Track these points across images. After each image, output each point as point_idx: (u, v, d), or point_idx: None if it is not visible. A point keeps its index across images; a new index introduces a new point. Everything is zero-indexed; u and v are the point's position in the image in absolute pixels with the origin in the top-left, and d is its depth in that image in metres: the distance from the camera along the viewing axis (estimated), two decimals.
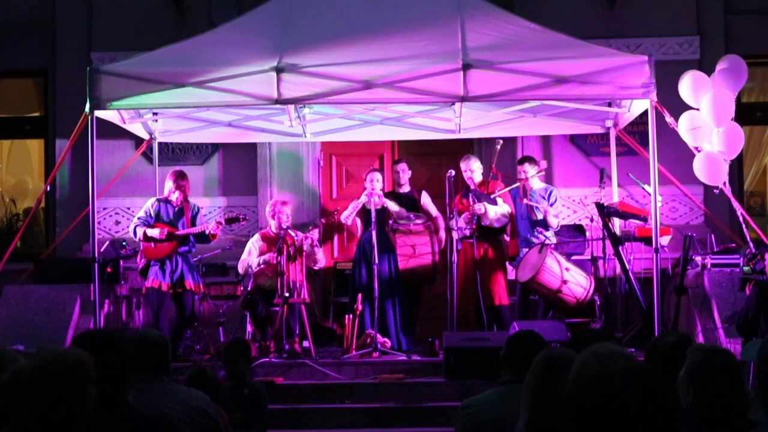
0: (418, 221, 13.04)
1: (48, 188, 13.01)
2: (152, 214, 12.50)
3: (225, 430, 5.97)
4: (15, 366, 3.68)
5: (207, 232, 12.40)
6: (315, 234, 12.78)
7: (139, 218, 12.53)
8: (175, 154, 14.64)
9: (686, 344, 5.49)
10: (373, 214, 12.49)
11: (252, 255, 12.90)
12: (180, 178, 12.60)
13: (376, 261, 12.26)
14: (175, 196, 12.53)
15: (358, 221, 13.10)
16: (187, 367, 11.13)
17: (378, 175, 12.96)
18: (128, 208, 14.48)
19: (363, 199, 12.75)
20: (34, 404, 3.49)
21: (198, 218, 12.66)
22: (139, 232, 12.40)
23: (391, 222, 12.94)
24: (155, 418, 4.52)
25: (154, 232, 12.32)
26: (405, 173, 13.29)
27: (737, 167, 14.28)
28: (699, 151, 12.42)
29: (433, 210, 13.25)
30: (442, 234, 13.21)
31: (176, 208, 12.55)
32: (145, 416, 4.40)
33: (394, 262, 12.79)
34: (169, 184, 12.58)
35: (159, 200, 12.66)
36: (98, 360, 3.94)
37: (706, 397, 4.33)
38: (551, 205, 12.81)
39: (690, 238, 12.07)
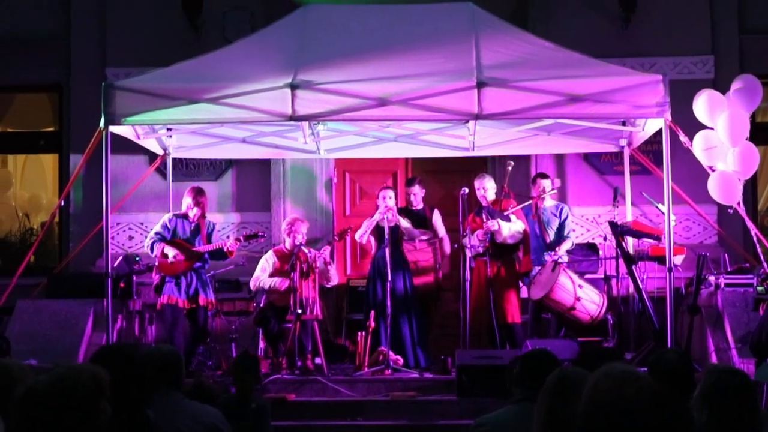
0: (423, 237, 13.04)
1: (62, 203, 13.04)
2: (169, 230, 12.52)
3: None
4: (29, 381, 3.69)
5: (225, 248, 12.43)
6: (327, 251, 12.78)
7: (156, 233, 12.54)
8: (189, 169, 14.67)
9: (687, 361, 5.50)
10: (387, 231, 12.48)
11: (265, 272, 12.88)
12: (199, 194, 12.61)
13: (389, 278, 12.26)
14: (193, 213, 12.55)
15: (372, 239, 13.09)
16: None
17: (390, 193, 12.97)
18: (142, 224, 14.50)
19: (377, 216, 12.74)
20: (49, 420, 3.49)
21: (213, 235, 12.68)
22: (156, 248, 12.41)
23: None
24: None
25: (170, 253, 12.33)
26: (418, 195, 13.28)
27: (751, 187, 14.26)
28: (713, 171, 12.41)
29: (441, 231, 13.23)
30: (447, 250, 13.18)
31: (192, 225, 12.57)
32: None
33: (408, 278, 12.80)
34: (187, 201, 12.59)
35: (176, 216, 12.68)
36: (118, 376, 3.95)
37: (720, 417, 4.33)
38: (563, 222, 12.84)
39: (703, 257, 12.04)
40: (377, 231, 12.89)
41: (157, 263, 12.51)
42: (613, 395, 2.83)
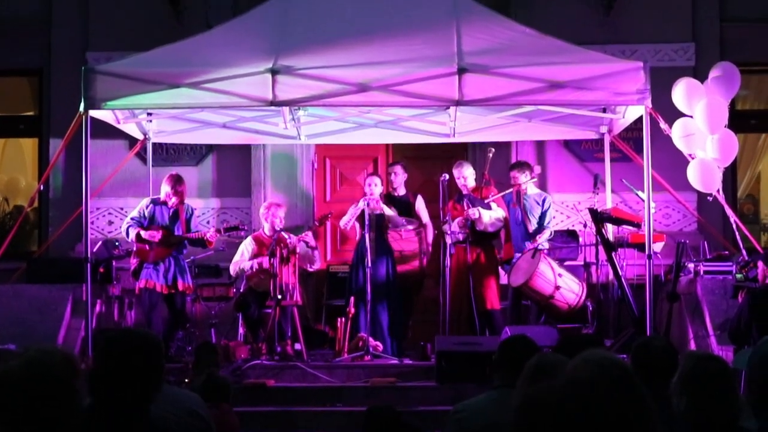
0: (410, 227, 13.02)
1: (41, 187, 12.99)
2: (146, 216, 12.50)
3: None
4: (2, 365, 3.68)
5: (205, 238, 12.42)
6: (310, 236, 12.77)
7: (132, 218, 12.51)
8: (169, 154, 14.62)
9: (673, 350, 5.51)
10: (367, 218, 12.44)
11: (244, 257, 12.88)
12: (177, 183, 12.57)
13: (369, 264, 12.25)
14: (171, 201, 12.53)
15: (357, 225, 13.08)
16: (179, 368, 11.15)
17: (377, 180, 12.96)
18: (121, 209, 14.46)
19: (361, 204, 12.72)
20: (23, 403, 3.48)
21: (192, 220, 12.68)
22: (132, 233, 12.39)
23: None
24: (160, 423, 4.51)
25: (147, 235, 12.30)
26: (398, 176, 13.26)
27: (731, 174, 14.29)
28: (693, 158, 12.43)
29: (425, 217, 13.24)
30: (430, 240, 13.19)
31: (171, 211, 12.54)
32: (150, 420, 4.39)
33: (391, 266, 12.78)
34: (166, 189, 12.55)
35: (154, 202, 12.64)
36: (129, 363, 3.97)
37: (699, 403, 4.35)
38: (545, 211, 12.83)
39: (683, 244, 12.06)
40: (362, 218, 12.88)
41: (135, 248, 12.49)
42: (591, 381, 2.83)
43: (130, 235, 12.43)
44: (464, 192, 12.77)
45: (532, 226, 12.85)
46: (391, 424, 7.56)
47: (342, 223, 13.09)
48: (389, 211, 12.86)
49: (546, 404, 2.72)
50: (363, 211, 12.72)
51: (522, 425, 2.71)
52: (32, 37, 15.13)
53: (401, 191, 13.30)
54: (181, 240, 12.46)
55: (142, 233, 12.32)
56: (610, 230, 12.94)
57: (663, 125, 11.60)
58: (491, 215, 12.57)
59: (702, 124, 12.24)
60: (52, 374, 3.54)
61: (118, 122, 12.39)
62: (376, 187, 12.84)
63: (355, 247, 13.15)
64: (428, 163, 14.86)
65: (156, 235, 12.33)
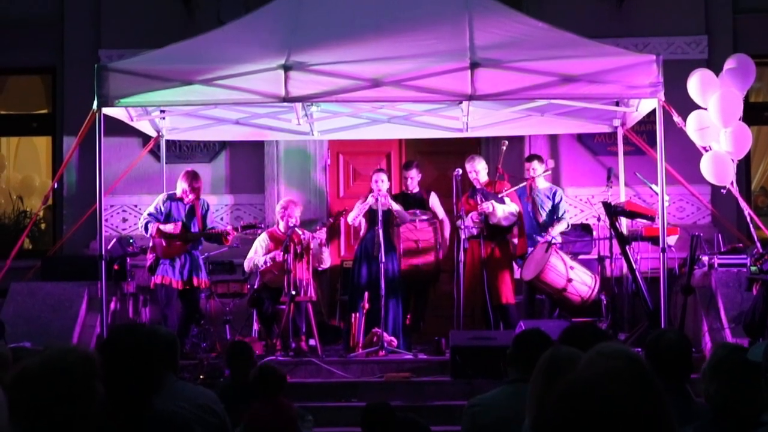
0: (424, 217, 12.99)
1: (55, 185, 13.02)
2: (162, 212, 12.50)
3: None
4: (21, 363, 3.69)
5: (224, 233, 12.43)
6: (322, 233, 12.77)
7: (150, 214, 12.51)
8: (182, 151, 14.65)
9: (687, 342, 5.53)
10: (380, 213, 12.45)
11: (258, 254, 12.88)
12: (194, 179, 12.55)
13: (383, 259, 12.25)
14: (188, 198, 12.52)
15: (363, 221, 13.08)
16: (193, 365, 11.18)
17: (383, 176, 12.92)
18: (135, 206, 14.49)
19: (370, 200, 12.70)
20: (41, 400, 3.50)
21: (208, 216, 12.67)
22: (151, 228, 12.37)
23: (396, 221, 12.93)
24: (174, 418, 4.52)
25: (168, 228, 12.31)
26: (414, 180, 13.24)
27: (745, 167, 14.26)
28: (707, 151, 12.40)
29: (440, 212, 13.22)
30: (447, 234, 13.17)
31: (187, 207, 12.54)
32: (165, 415, 4.40)
33: (396, 261, 12.78)
34: (183, 185, 12.53)
35: (170, 198, 12.64)
36: (130, 357, 3.98)
37: (729, 388, 4.42)
38: (556, 204, 12.83)
39: (697, 237, 12.05)
40: (369, 213, 12.88)
41: (151, 244, 12.50)
42: (605, 375, 2.83)
43: (149, 231, 12.42)
44: (477, 186, 12.75)
45: (543, 219, 12.84)
46: (387, 420, 7.63)
47: (350, 219, 13.07)
48: (396, 207, 12.85)
49: (563, 399, 2.72)
50: (371, 207, 12.72)
51: (537, 422, 2.71)
52: (45, 35, 15.16)
53: (415, 189, 13.27)
54: (198, 237, 12.47)
55: (162, 227, 12.31)
56: (624, 224, 12.93)
57: (676, 118, 11.57)
58: (505, 209, 12.55)
59: (716, 117, 12.20)
60: (70, 373, 3.55)
61: (132, 119, 12.41)
62: (383, 183, 12.81)
63: (359, 243, 13.14)
64: (441, 158, 14.85)
65: (176, 228, 12.33)
